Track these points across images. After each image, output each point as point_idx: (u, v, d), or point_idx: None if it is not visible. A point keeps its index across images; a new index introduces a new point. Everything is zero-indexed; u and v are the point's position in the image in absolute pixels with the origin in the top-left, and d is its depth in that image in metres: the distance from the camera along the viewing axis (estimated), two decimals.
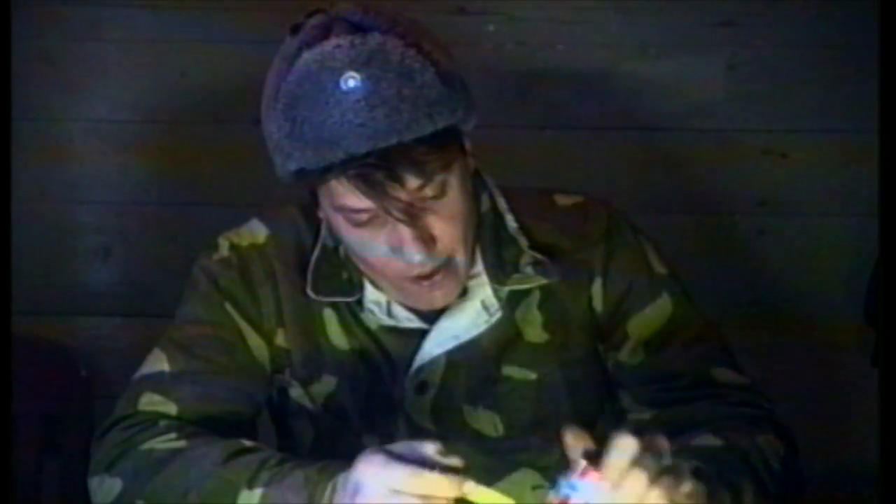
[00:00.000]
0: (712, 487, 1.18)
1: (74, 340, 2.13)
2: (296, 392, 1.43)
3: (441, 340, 1.38)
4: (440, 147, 1.24)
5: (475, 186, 1.38)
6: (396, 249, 1.28)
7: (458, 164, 1.29)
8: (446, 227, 1.29)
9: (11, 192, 1.61)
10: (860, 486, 1.93)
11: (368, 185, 1.22)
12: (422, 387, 1.39)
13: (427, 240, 1.27)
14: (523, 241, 1.40)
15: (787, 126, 2.16)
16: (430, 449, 1.12)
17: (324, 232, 1.41)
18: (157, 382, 1.36)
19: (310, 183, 1.29)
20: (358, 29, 1.23)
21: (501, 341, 1.40)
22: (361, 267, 1.36)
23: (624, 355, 1.40)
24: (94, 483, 1.33)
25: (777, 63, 2.15)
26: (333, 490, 1.17)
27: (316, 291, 1.39)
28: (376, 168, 1.21)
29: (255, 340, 1.40)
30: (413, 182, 1.24)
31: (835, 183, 2.16)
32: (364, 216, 1.27)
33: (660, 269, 1.43)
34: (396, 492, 1.09)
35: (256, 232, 1.44)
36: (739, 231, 2.18)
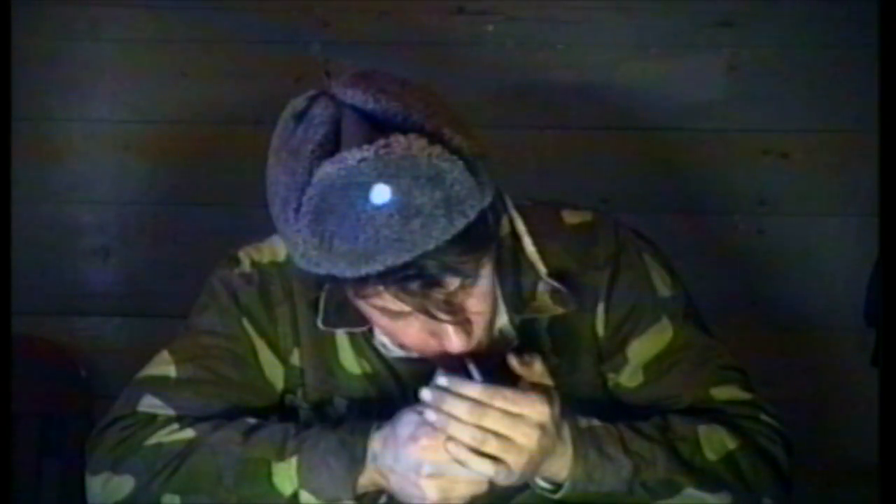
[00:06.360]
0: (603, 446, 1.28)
1: (74, 340, 2.13)
2: (306, 414, 1.41)
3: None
4: (475, 243, 1.20)
5: (496, 210, 1.29)
6: (435, 335, 1.26)
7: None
8: (481, 304, 1.27)
9: (11, 192, 1.61)
10: (860, 486, 1.92)
11: (408, 293, 1.20)
12: None
13: (466, 327, 1.25)
14: (541, 268, 1.37)
15: (787, 126, 2.16)
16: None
17: None
18: (160, 386, 1.36)
19: (342, 288, 1.25)
20: (374, 125, 1.17)
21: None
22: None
23: (624, 378, 1.40)
24: (98, 481, 1.33)
25: (777, 63, 2.14)
26: (367, 445, 1.26)
27: (327, 322, 1.37)
28: (416, 277, 1.18)
29: (268, 358, 1.40)
30: (453, 283, 1.21)
31: (835, 183, 2.16)
32: (400, 313, 1.25)
33: (663, 291, 1.41)
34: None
35: (277, 249, 1.41)
36: (739, 231, 2.18)
